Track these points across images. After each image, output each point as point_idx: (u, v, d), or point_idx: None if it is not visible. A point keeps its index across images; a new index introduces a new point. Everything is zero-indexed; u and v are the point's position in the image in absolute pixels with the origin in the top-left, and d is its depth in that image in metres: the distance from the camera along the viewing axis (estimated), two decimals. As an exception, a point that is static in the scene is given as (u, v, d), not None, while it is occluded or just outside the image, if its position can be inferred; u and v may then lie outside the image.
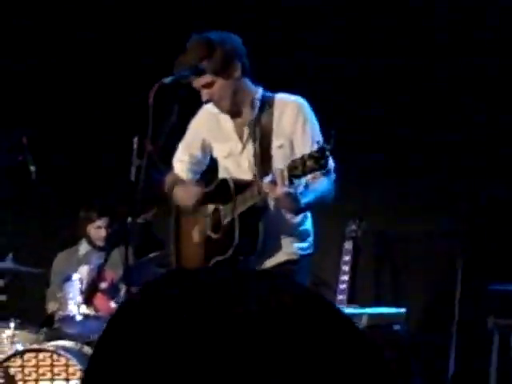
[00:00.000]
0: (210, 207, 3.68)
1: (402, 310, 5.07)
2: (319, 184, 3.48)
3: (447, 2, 5.48)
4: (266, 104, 3.60)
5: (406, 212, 5.66)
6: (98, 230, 5.73)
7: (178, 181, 3.87)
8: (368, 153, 5.61)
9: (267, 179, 3.31)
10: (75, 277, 5.18)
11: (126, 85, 5.97)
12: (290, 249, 3.62)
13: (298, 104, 3.58)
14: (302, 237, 3.65)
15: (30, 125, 5.76)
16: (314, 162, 3.10)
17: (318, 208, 3.60)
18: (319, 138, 3.49)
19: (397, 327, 5.00)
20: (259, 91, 3.64)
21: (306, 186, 3.53)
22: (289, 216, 3.58)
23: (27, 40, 6.24)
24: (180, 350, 1.69)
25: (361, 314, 4.93)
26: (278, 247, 3.61)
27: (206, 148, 3.80)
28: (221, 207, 3.61)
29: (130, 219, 3.84)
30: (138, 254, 5.03)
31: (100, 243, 5.74)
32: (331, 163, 3.44)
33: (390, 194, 5.68)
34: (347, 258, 5.38)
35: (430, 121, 5.60)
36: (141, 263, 5.01)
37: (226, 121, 3.70)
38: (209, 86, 3.56)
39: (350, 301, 5.28)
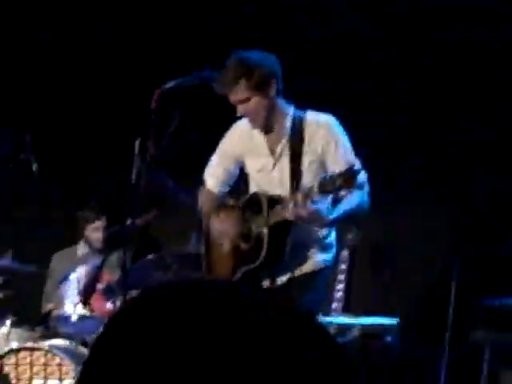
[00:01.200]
0: (240, 220, 3.81)
1: (394, 320, 5.13)
2: (350, 198, 3.62)
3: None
4: (298, 122, 3.75)
5: (403, 223, 5.70)
6: (95, 231, 5.81)
7: (215, 207, 3.97)
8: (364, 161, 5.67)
9: (290, 205, 3.49)
10: (72, 277, 5.27)
11: (130, 87, 6.02)
12: (316, 259, 3.78)
13: (330, 124, 3.73)
14: (327, 248, 3.82)
15: (33, 123, 5.85)
16: (343, 181, 3.24)
17: (351, 220, 3.80)
18: (351, 156, 3.66)
19: (388, 338, 5.07)
20: (291, 109, 3.78)
21: (337, 200, 3.68)
22: (316, 229, 3.74)
23: (33, 40, 6.31)
24: (174, 359, 1.79)
25: (353, 324, 5.00)
26: (305, 258, 3.76)
27: (238, 163, 3.94)
28: (252, 219, 3.74)
29: (129, 220, 3.92)
30: (136, 256, 5.08)
31: (97, 245, 5.82)
32: (363, 176, 3.60)
33: (388, 204, 5.65)
34: (343, 266, 5.44)
35: (427, 126, 5.66)
36: (138, 265, 5.04)
37: (259, 137, 3.84)
38: (244, 101, 3.68)
39: (346, 309, 5.33)
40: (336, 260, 3.91)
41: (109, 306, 5.24)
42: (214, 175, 4.00)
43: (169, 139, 3.79)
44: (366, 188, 3.70)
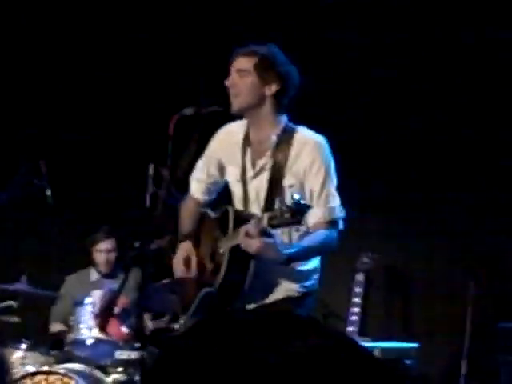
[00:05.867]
0: (212, 235, 3.73)
1: (414, 345, 5.24)
2: (314, 235, 3.54)
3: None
4: (287, 136, 3.66)
5: (419, 246, 5.80)
6: (99, 253, 5.90)
7: (184, 234, 3.89)
8: (379, 185, 5.80)
9: (243, 229, 3.40)
10: (87, 301, 5.35)
11: (142, 113, 6.20)
12: (290, 286, 3.65)
13: (317, 145, 3.63)
14: (303, 277, 3.68)
15: (48, 150, 5.94)
16: (290, 215, 3.18)
17: (311, 257, 3.64)
18: (330, 186, 3.60)
19: (408, 362, 5.17)
20: (283, 120, 3.71)
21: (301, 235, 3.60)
22: None
23: (49, 65, 6.47)
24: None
25: (373, 348, 5.08)
26: (275, 284, 3.64)
27: (222, 168, 3.87)
28: (219, 236, 3.66)
29: (138, 243, 3.88)
30: (151, 280, 5.22)
31: (104, 269, 5.92)
32: (338, 214, 3.58)
33: (403, 227, 5.82)
34: (358, 289, 5.55)
35: (447, 154, 5.79)
36: (153, 289, 4.99)
37: (244, 144, 3.75)
38: (243, 74, 3.66)
39: (361, 333, 5.47)
40: (325, 279, 3.78)
41: (124, 329, 5.34)
42: (199, 180, 3.94)
43: (186, 165, 3.83)
44: (340, 226, 3.62)
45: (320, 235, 3.55)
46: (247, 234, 3.39)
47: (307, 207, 3.22)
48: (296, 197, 3.22)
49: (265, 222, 3.33)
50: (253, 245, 3.39)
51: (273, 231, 3.38)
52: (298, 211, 3.19)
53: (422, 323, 5.78)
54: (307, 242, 3.54)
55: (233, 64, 3.72)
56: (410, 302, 5.87)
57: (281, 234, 3.55)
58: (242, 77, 3.67)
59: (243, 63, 3.68)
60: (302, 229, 3.53)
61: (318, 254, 3.66)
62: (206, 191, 3.96)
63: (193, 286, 3.76)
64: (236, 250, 3.49)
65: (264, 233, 3.38)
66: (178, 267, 3.84)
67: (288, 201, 3.30)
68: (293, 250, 3.47)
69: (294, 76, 3.72)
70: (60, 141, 6.45)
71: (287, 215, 3.20)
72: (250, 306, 3.66)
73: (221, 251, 3.60)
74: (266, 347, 2.23)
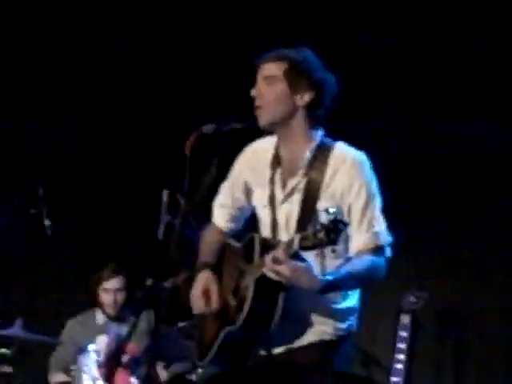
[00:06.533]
0: (236, 268, 3.61)
1: None
2: (357, 259, 3.42)
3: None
4: (322, 153, 3.54)
5: (476, 283, 5.72)
6: (105, 293, 5.79)
7: (204, 263, 3.75)
8: (431, 215, 5.74)
9: (270, 255, 3.27)
10: (92, 347, 5.28)
11: (157, 131, 6.17)
12: (324, 327, 3.51)
13: (358, 162, 3.52)
14: (340, 316, 3.54)
15: (46, 172, 5.96)
16: (324, 235, 3.06)
17: (354, 286, 3.50)
18: (376, 205, 3.48)
19: None
20: (318, 135, 3.59)
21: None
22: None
23: (51, 83, 6.48)
24: None
25: None
26: (307, 324, 3.51)
27: (248, 192, 3.75)
28: (244, 268, 3.54)
29: (150, 281, 3.87)
30: (164, 324, 5.10)
31: (111, 311, 5.79)
32: (387, 238, 3.45)
33: (457, 261, 5.74)
34: (404, 334, 5.40)
35: (498, 180, 5.74)
36: (167, 334, 5.04)
37: (273, 163, 3.64)
38: (271, 82, 3.53)
39: None
40: (364, 320, 3.61)
41: (134, 381, 5.30)
42: (223, 206, 3.80)
43: (205, 190, 3.67)
44: (388, 253, 3.47)
45: (365, 260, 3.41)
46: (275, 260, 3.24)
47: (345, 225, 3.08)
48: (331, 210, 3.10)
49: (296, 243, 3.18)
50: (282, 271, 3.22)
51: (306, 255, 3.26)
52: (334, 229, 3.06)
53: (478, 375, 5.69)
54: (349, 266, 3.39)
55: (259, 71, 3.57)
56: (465, 350, 5.77)
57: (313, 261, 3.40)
58: (269, 85, 3.53)
59: (271, 69, 3.54)
60: (339, 250, 3.34)
61: (362, 282, 3.47)
62: (230, 218, 3.80)
63: (214, 326, 3.58)
64: (263, 281, 3.35)
65: (295, 256, 3.24)
66: (197, 300, 3.64)
67: (322, 218, 3.16)
68: (334, 276, 3.32)
69: (331, 84, 3.56)
70: (61, 160, 6.46)
71: (321, 235, 3.07)
72: (278, 350, 3.50)
73: (245, 284, 3.46)
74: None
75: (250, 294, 3.37)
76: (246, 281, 3.46)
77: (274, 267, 3.24)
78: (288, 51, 3.56)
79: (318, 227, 3.09)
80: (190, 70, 6.24)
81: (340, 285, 3.37)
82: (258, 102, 3.53)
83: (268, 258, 3.27)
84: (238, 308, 3.44)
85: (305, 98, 3.51)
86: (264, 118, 3.53)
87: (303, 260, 3.25)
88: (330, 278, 3.29)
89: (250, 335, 3.44)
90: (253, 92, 3.55)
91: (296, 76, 3.50)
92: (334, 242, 3.07)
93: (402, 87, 5.94)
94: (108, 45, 6.38)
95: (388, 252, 3.47)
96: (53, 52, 6.41)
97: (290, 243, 3.22)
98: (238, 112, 3.61)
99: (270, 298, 3.37)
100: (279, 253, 3.23)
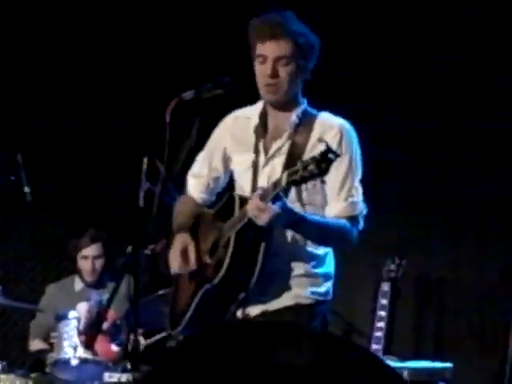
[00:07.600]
0: (213, 229, 3.62)
1: (448, 364, 5.10)
2: (335, 220, 3.47)
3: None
4: (308, 118, 3.56)
5: (454, 251, 5.75)
6: (84, 260, 5.79)
7: (179, 226, 3.78)
8: (409, 178, 5.82)
9: (257, 194, 3.31)
10: (72, 315, 5.25)
11: (136, 99, 6.15)
12: (300, 291, 3.53)
13: (342, 128, 3.52)
14: (316, 280, 3.57)
15: (26, 141, 5.90)
16: (315, 166, 3.09)
17: (325, 241, 3.54)
18: (357, 175, 3.50)
19: None
20: (303, 104, 3.61)
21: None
22: (304, 253, 3.52)
23: (31, 49, 6.47)
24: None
25: (400, 369, 4.95)
26: (285, 287, 3.52)
27: (226, 160, 3.74)
28: (222, 226, 3.55)
29: (130, 248, 3.89)
30: (144, 291, 5.10)
31: (90, 278, 5.81)
32: (362, 209, 3.49)
33: (436, 229, 5.75)
34: (384, 301, 5.43)
35: (481, 151, 5.74)
36: (147, 301, 5.04)
37: (257, 131, 3.64)
38: (286, 62, 3.50)
39: (387, 351, 5.33)
40: (345, 288, 3.81)
41: (114, 348, 5.30)
42: (198, 175, 3.81)
43: (184, 157, 3.75)
44: (361, 225, 3.52)
45: (339, 221, 3.46)
46: (262, 197, 3.26)
47: (336, 155, 3.10)
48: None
49: (283, 180, 3.18)
50: (265, 211, 3.25)
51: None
52: (325, 160, 3.09)
53: (456, 340, 5.74)
54: (324, 219, 3.46)
55: (266, 48, 3.51)
56: (444, 316, 5.80)
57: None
58: (284, 66, 3.51)
59: (282, 49, 3.50)
60: (317, 202, 3.48)
61: (331, 239, 3.52)
62: (205, 189, 3.82)
63: (188, 290, 3.62)
64: (244, 232, 3.38)
65: (278, 199, 3.26)
66: (175, 261, 3.67)
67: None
68: (306, 215, 3.39)
69: (319, 49, 3.59)
70: (40, 129, 6.41)
71: (311, 167, 3.09)
72: (254, 310, 3.53)
73: (224, 241, 3.48)
74: (269, 363, 2.13)
75: (230, 248, 3.39)
76: (224, 238, 3.48)
77: (260, 204, 3.24)
78: (297, 22, 3.52)
79: (309, 160, 3.11)
80: (171, 36, 6.20)
81: (312, 230, 3.42)
82: (270, 82, 3.50)
83: (255, 195, 3.30)
84: (215, 267, 3.46)
85: (307, 74, 3.56)
86: (279, 98, 3.52)
87: (281, 199, 3.27)
88: (306, 215, 3.37)
89: (228, 295, 3.46)
90: (267, 70, 3.50)
91: (305, 54, 3.51)
92: (325, 172, 3.10)
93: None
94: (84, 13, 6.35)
95: (361, 224, 3.50)
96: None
97: (277, 182, 3.23)
98: (216, 78, 3.64)
99: (251, 252, 3.39)
100: (267, 189, 3.27)
